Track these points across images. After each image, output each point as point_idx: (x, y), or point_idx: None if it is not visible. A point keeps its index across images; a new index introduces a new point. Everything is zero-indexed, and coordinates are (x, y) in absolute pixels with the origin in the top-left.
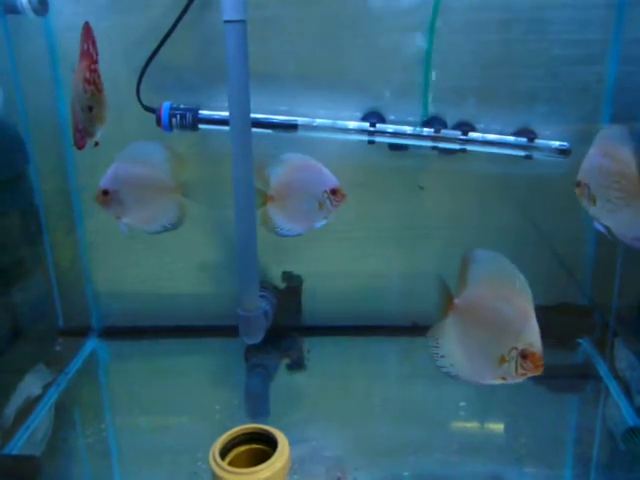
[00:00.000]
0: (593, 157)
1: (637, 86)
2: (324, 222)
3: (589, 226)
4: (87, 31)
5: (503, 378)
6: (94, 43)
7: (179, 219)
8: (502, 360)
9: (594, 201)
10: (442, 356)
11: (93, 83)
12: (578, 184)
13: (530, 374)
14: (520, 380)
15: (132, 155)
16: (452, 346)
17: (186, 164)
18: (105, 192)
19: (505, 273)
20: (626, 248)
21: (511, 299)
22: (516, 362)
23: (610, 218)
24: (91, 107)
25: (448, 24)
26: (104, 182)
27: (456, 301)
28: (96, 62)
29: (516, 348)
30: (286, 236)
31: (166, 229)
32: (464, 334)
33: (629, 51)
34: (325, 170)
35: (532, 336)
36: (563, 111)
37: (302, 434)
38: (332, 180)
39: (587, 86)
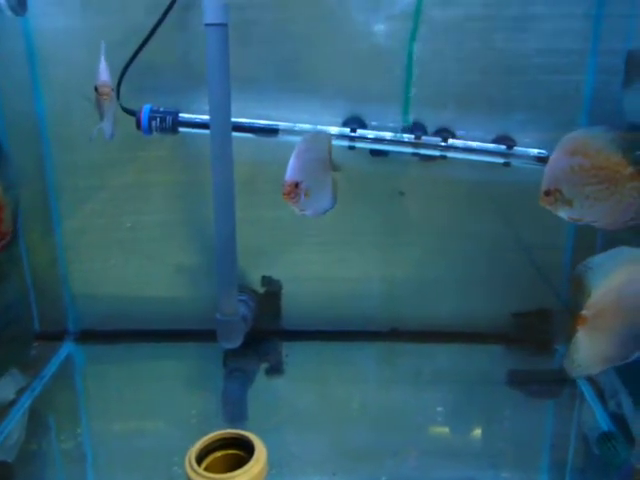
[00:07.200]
0: (559, 161)
1: (613, 96)
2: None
3: (566, 233)
4: None
5: None
6: None
7: None
8: None
9: (570, 204)
10: (578, 366)
11: None
12: (547, 193)
13: None
14: None
15: None
16: (587, 354)
17: None
18: None
19: (623, 258)
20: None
21: None
22: None
23: (592, 213)
24: None
25: (429, 31)
26: None
27: (584, 313)
28: None
29: None
30: None
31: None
32: (599, 337)
33: (606, 61)
34: (292, 162)
35: None
36: (542, 119)
37: (280, 439)
38: (287, 174)
39: (565, 95)
